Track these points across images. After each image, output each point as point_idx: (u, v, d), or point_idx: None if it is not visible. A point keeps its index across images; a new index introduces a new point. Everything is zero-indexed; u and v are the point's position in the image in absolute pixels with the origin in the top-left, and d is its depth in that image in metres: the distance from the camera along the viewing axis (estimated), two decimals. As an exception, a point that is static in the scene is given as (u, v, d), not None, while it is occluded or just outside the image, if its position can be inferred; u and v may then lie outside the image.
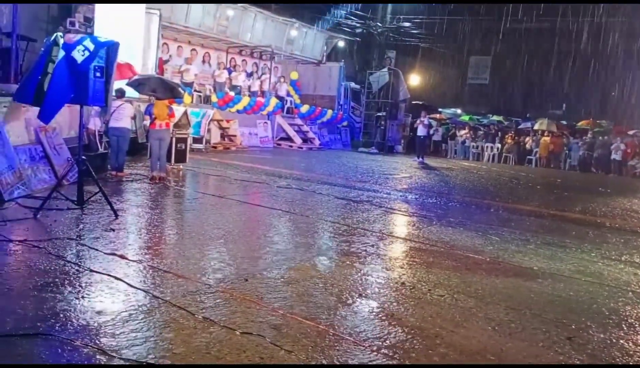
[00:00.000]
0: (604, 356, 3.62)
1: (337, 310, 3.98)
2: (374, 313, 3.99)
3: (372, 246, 6.10)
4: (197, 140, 14.95)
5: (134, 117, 10.61)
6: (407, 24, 27.10)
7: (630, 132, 24.00)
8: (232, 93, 18.79)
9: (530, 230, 7.84)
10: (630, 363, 3.59)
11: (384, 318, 3.91)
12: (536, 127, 25.55)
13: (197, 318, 3.56)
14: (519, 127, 28.04)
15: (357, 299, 4.26)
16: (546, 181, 16.71)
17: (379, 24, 26.57)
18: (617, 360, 3.58)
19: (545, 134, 24.09)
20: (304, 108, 22.13)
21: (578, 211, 10.39)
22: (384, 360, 3.26)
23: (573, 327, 4.05)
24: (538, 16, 25.98)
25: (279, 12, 22.34)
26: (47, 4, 12.77)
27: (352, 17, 26.37)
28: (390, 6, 26.66)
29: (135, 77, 9.71)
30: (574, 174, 21.37)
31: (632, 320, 4.30)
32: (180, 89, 10.15)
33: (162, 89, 9.38)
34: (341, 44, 25.63)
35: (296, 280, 4.57)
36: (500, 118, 31.49)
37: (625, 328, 4.13)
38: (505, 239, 7.05)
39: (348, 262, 5.31)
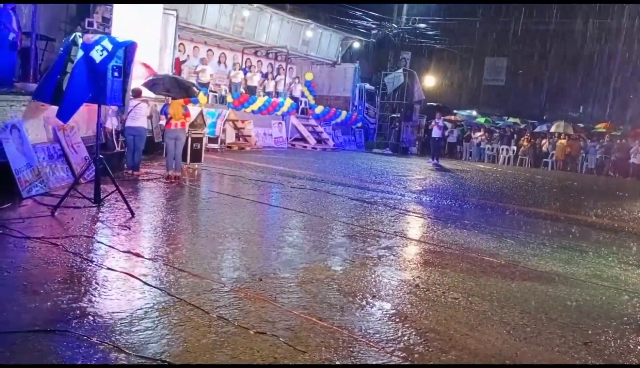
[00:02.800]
0: (621, 362, 3.57)
1: (351, 311, 3.97)
2: (388, 315, 3.98)
3: (386, 247, 6.08)
4: (212, 140, 15.04)
5: (150, 117, 10.70)
6: (422, 26, 26.99)
7: (649, 136, 23.64)
8: (247, 94, 18.87)
9: (546, 234, 7.77)
10: (631, 363, 3.54)
11: (397, 320, 3.90)
12: (552, 129, 25.29)
13: (212, 317, 3.58)
14: (535, 129, 27.77)
15: (371, 300, 4.25)
16: (563, 184, 16.54)
17: (395, 25, 26.50)
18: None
19: (562, 136, 23.84)
20: (319, 109, 22.16)
21: (595, 215, 10.26)
22: (399, 361, 3.25)
23: (589, 332, 4.01)
24: (554, 18, 25.72)
25: (294, 13, 22.40)
26: (66, 4, 12.93)
27: (368, 18, 26.34)
28: (405, 7, 26.60)
29: (150, 77, 9.80)
30: (591, 177, 21.10)
31: (650, 326, 4.24)
32: (194, 88, 10.21)
33: (177, 88, 9.45)
34: (356, 45, 25.61)
35: (310, 281, 4.57)
36: (516, 120, 31.23)
37: (643, 334, 4.08)
38: (521, 242, 6.99)
39: (362, 263, 5.30)
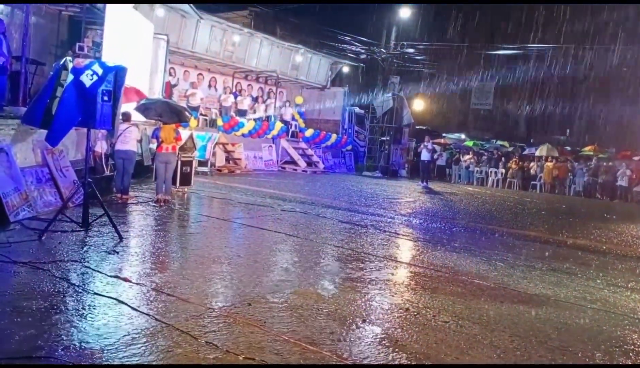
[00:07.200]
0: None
1: (341, 336, 3.95)
2: (378, 339, 3.96)
3: (376, 270, 6.07)
4: (202, 163, 15.04)
5: (140, 140, 10.69)
6: (410, 50, 27.42)
7: (636, 158, 23.99)
8: (237, 117, 18.96)
9: (535, 256, 7.80)
10: (630, 364, 3.55)
11: (387, 344, 3.88)
12: (537, 153, 25.60)
13: (200, 343, 3.54)
14: (524, 152, 28.08)
15: (361, 324, 4.23)
16: (551, 207, 16.65)
17: (383, 50, 26.90)
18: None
19: (549, 159, 24.08)
20: (309, 132, 22.28)
21: (583, 238, 10.33)
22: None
23: (579, 354, 4.01)
24: (541, 42, 26.27)
25: (284, 38, 22.72)
26: (57, 29, 12.99)
27: (357, 43, 26.73)
28: (394, 32, 27.03)
29: (142, 101, 9.81)
30: (578, 200, 21.30)
31: (639, 349, 4.25)
32: (186, 112, 10.23)
33: (169, 113, 9.46)
34: (345, 69, 25.94)
35: (300, 305, 4.54)
36: (504, 143, 31.59)
37: (632, 356, 4.08)
38: (510, 265, 7.01)
39: (352, 287, 5.29)
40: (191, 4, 16.06)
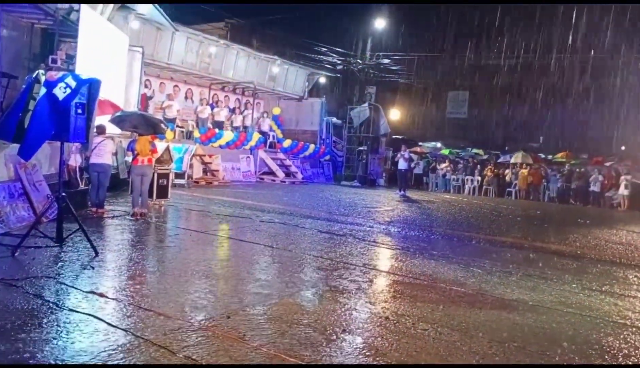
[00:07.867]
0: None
1: (321, 346, 3.93)
2: (358, 349, 3.96)
3: (356, 280, 6.07)
4: (179, 175, 14.91)
5: (115, 153, 10.56)
6: (386, 61, 27.73)
7: (607, 164, 24.53)
8: (214, 129, 18.87)
9: (511, 262, 7.89)
10: (630, 364, 3.60)
11: (368, 353, 3.88)
12: (512, 160, 26.01)
13: (179, 357, 3.50)
14: (499, 160, 28.49)
15: (341, 334, 4.22)
16: (526, 213, 16.91)
17: (359, 61, 27.14)
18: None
19: (524, 166, 24.47)
20: (287, 143, 22.30)
21: (558, 243, 10.50)
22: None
23: (557, 358, 4.06)
24: (514, 52, 26.80)
25: (260, 49, 22.78)
26: (29, 42, 12.80)
27: (333, 54, 26.95)
28: (369, 43, 27.32)
29: (117, 113, 9.71)
30: (553, 206, 21.65)
31: (615, 351, 4.33)
32: (162, 125, 10.16)
33: (144, 125, 9.38)
34: (322, 80, 26.10)
35: (279, 316, 4.52)
36: (479, 151, 32.02)
37: (608, 358, 4.15)
38: (488, 271, 7.08)
39: (331, 297, 5.28)
40: (162, 11, 15.90)
